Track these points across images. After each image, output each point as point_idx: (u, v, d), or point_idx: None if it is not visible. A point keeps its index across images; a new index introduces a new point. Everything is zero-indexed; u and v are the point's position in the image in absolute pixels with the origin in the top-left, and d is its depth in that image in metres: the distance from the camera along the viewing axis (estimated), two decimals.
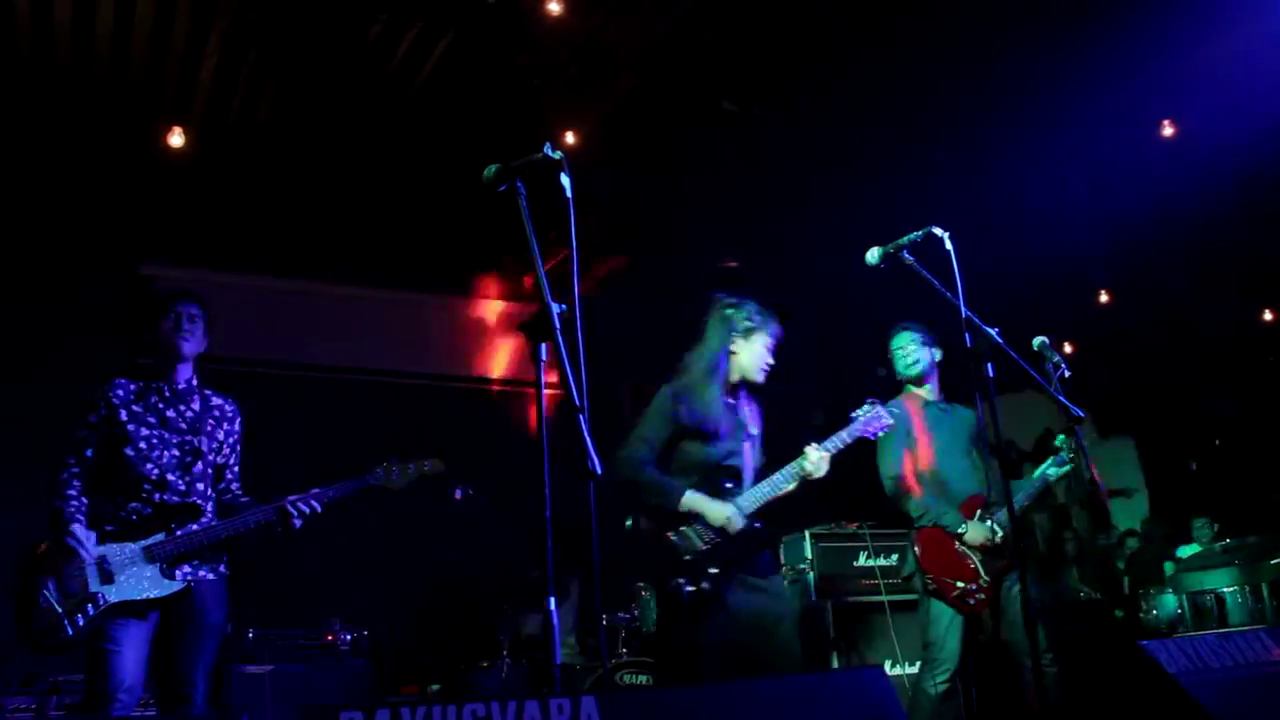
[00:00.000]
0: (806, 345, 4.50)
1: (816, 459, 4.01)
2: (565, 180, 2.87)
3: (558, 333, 2.67)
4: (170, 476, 3.72)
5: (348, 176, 7.60)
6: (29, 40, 6.09)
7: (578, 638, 6.90)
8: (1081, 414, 4.05)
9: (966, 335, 3.59)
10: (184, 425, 3.82)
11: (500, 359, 8.47)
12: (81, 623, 3.45)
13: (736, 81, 7.01)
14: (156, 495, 3.68)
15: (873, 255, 3.83)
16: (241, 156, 7.31)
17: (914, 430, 4.81)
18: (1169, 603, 7.48)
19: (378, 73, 6.61)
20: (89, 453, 3.70)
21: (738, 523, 3.95)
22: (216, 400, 3.98)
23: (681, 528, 3.94)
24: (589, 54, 6.61)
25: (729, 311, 4.25)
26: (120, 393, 3.78)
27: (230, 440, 3.98)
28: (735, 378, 4.20)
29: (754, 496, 4.02)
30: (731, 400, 4.18)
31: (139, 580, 3.55)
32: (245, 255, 7.91)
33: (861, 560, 6.08)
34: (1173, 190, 8.08)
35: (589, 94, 6.93)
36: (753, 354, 4.19)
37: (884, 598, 5.83)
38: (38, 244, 7.25)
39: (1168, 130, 7.67)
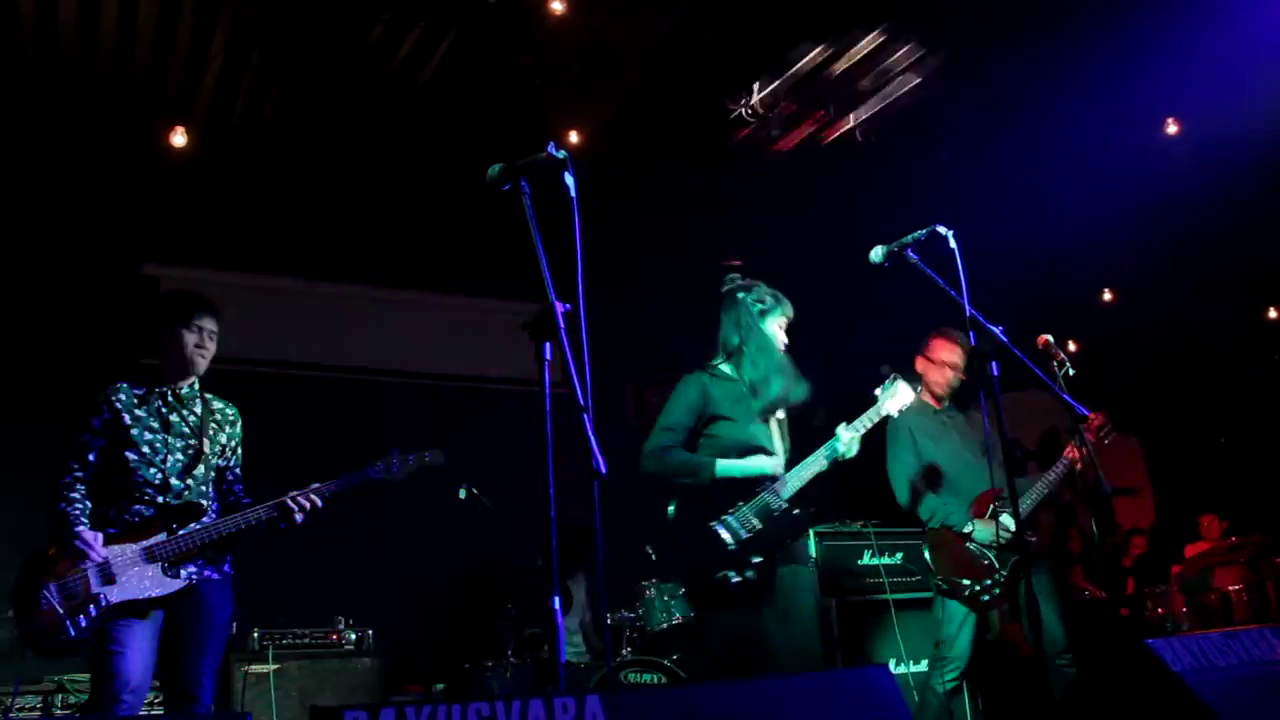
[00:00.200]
0: (809, 344, 4.49)
1: (848, 439, 4.02)
2: (569, 179, 2.88)
3: (562, 332, 2.67)
4: (173, 480, 3.74)
5: (350, 176, 7.61)
6: (33, 40, 6.10)
7: (583, 636, 6.91)
8: (1086, 412, 4.06)
9: (971, 334, 3.59)
10: (187, 429, 3.83)
11: (504, 358, 8.45)
12: (84, 624, 3.45)
13: (739, 80, 7.00)
14: (159, 498, 3.70)
15: (877, 254, 3.83)
16: (244, 156, 7.31)
17: (919, 435, 4.82)
18: (1174, 602, 7.47)
19: (380, 73, 6.61)
20: (91, 456, 3.71)
21: (780, 469, 3.97)
22: (218, 404, 4.00)
23: (724, 517, 3.94)
24: (592, 53, 6.61)
25: (741, 295, 4.26)
26: (123, 397, 3.78)
27: (232, 444, 3.99)
28: (758, 362, 4.20)
29: (792, 481, 4.02)
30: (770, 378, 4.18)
31: (140, 580, 3.55)
32: (247, 255, 7.91)
33: (866, 559, 6.07)
34: (1177, 188, 8.07)
35: (592, 93, 6.93)
36: (768, 335, 4.21)
37: (889, 596, 5.83)
38: (40, 243, 7.26)
39: (1172, 128, 7.65)
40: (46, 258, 7.28)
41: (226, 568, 3.83)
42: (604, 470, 2.59)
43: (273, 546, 4.29)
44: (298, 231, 7.91)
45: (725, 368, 4.26)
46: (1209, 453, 11.31)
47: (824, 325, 4.38)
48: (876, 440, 4.36)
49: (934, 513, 4.70)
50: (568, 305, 2.71)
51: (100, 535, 3.56)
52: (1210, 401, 11.09)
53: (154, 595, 3.57)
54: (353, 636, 6.18)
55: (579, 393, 2.61)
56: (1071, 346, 9.54)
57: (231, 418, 4.02)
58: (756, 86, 6.97)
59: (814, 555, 6.05)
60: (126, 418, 3.74)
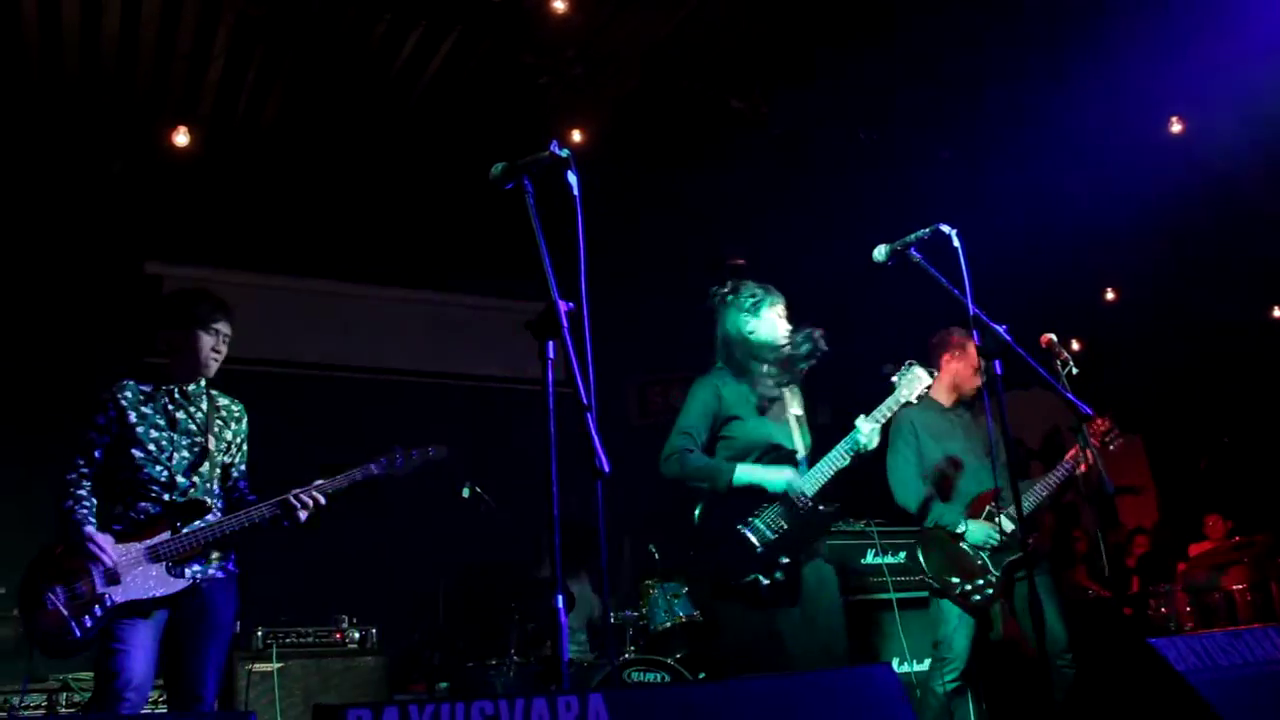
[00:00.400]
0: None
1: (869, 430, 4.01)
2: (572, 178, 2.88)
3: (565, 331, 2.67)
4: (179, 477, 3.74)
5: (353, 175, 7.61)
6: (36, 41, 6.10)
7: (587, 635, 6.90)
8: (1089, 411, 4.05)
9: (974, 333, 3.58)
10: (193, 427, 3.84)
11: (506, 357, 8.46)
12: (89, 624, 3.45)
13: (743, 79, 6.99)
14: (165, 495, 3.70)
15: (880, 253, 3.83)
16: (247, 156, 7.32)
17: (922, 432, 4.82)
18: (1178, 601, 7.46)
19: (383, 72, 6.62)
20: (98, 454, 3.71)
21: (803, 488, 3.95)
22: (224, 401, 4.00)
23: (751, 520, 3.94)
24: (595, 52, 6.61)
25: (730, 297, 4.27)
26: (129, 394, 3.78)
27: (238, 441, 4.00)
28: (765, 356, 4.18)
29: (814, 478, 4.01)
30: (770, 380, 4.18)
31: (145, 579, 3.56)
32: (250, 254, 7.93)
33: (870, 558, 6.07)
34: (1181, 187, 8.06)
35: (595, 92, 6.93)
36: (769, 325, 4.20)
37: (892, 595, 5.82)
38: (44, 242, 7.27)
39: (1176, 127, 7.64)
40: (50, 256, 7.30)
41: (231, 566, 3.83)
42: (607, 469, 2.59)
43: (276, 545, 4.29)
44: (300, 230, 7.92)
45: (729, 371, 4.25)
46: (1213, 452, 11.31)
47: (826, 324, 4.36)
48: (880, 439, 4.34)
49: (928, 511, 4.70)
50: (570, 304, 2.71)
51: (111, 538, 3.56)
52: (1214, 401, 11.08)
53: (158, 595, 3.57)
54: (356, 635, 6.18)
55: (582, 391, 2.61)
56: (1075, 345, 9.54)
57: (237, 414, 4.03)
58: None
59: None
60: (132, 415, 3.74)
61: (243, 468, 4.02)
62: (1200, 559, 8.63)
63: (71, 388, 6.34)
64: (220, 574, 3.76)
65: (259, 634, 5.87)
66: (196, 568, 3.68)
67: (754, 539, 3.91)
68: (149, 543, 3.60)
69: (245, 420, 4.05)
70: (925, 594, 4.86)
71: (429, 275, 8.67)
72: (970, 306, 3.57)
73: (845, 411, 4.32)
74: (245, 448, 4.04)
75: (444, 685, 6.55)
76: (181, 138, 6.83)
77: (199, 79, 6.56)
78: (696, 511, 4.05)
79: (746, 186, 8.11)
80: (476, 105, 7.00)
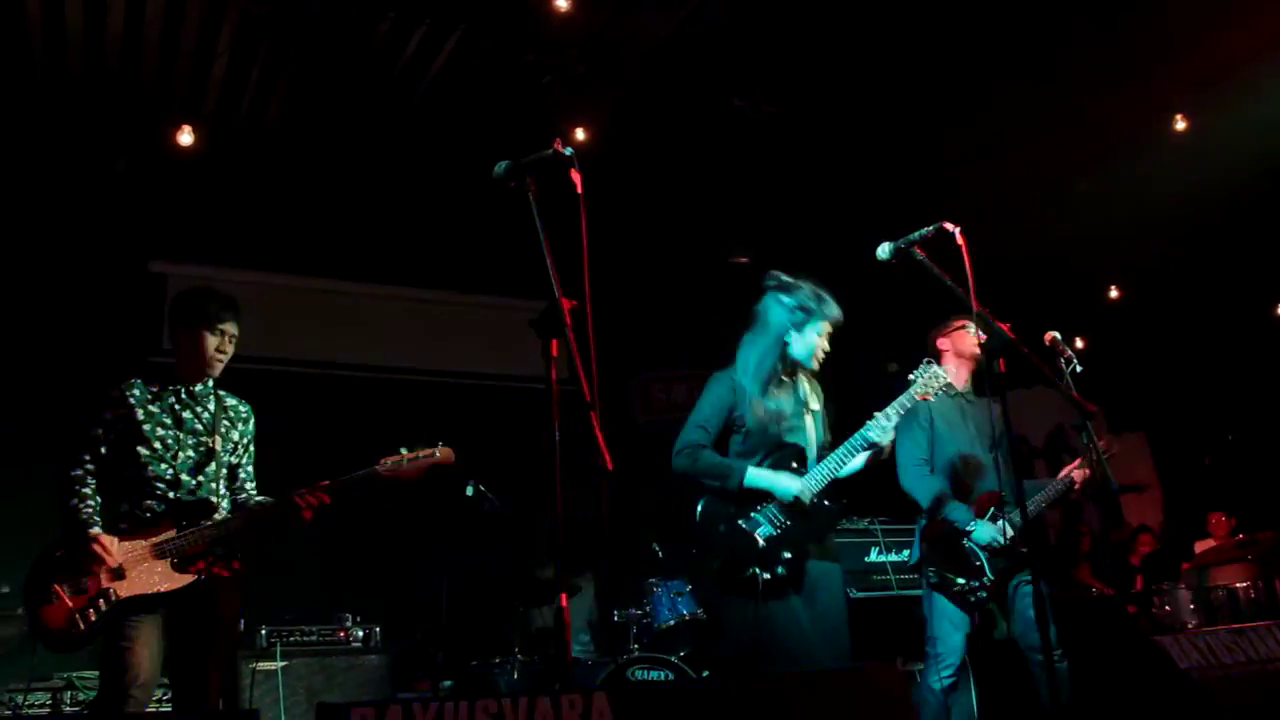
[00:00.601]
0: None
1: (880, 427, 3.96)
2: (575, 176, 2.88)
3: (568, 329, 2.67)
4: (185, 476, 3.75)
5: (357, 174, 7.62)
6: (40, 40, 6.12)
7: (592, 634, 6.91)
8: (1093, 410, 4.05)
9: (978, 331, 3.58)
10: (200, 427, 3.85)
11: (510, 355, 8.47)
12: (94, 619, 3.48)
13: (746, 77, 7.00)
14: (170, 493, 3.71)
15: (883, 250, 3.81)
16: (251, 154, 7.33)
17: (938, 420, 4.78)
18: (1181, 599, 7.46)
19: (386, 70, 6.62)
20: (103, 450, 3.72)
21: (808, 495, 3.92)
22: (230, 401, 4.01)
23: (753, 514, 3.93)
24: (598, 50, 6.61)
25: (783, 296, 4.16)
26: (137, 392, 3.79)
27: (244, 441, 4.00)
28: (791, 360, 4.17)
29: (819, 474, 3.98)
30: (789, 379, 4.16)
31: (150, 575, 3.57)
32: (254, 252, 7.94)
33: (873, 555, 6.08)
34: (1185, 184, 8.05)
35: (598, 91, 6.93)
36: (806, 345, 4.12)
37: (895, 593, 5.83)
38: (49, 241, 7.29)
39: (1180, 124, 7.63)
40: (55, 255, 7.31)
41: (235, 565, 3.84)
42: (610, 467, 2.59)
43: (281, 544, 4.30)
44: (304, 229, 7.93)
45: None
46: (1217, 449, 11.30)
47: None
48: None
49: (937, 502, 4.67)
50: (574, 302, 2.71)
51: (115, 539, 3.58)
52: (1218, 398, 11.07)
53: (162, 591, 3.58)
54: (360, 634, 6.20)
55: (585, 389, 2.61)
56: (1079, 343, 9.53)
57: (244, 415, 4.03)
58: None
59: None
60: (139, 413, 3.75)
61: (250, 469, 4.03)
62: (1204, 556, 8.62)
63: (75, 386, 6.35)
64: (225, 572, 3.77)
65: (263, 632, 5.88)
66: (201, 565, 3.69)
67: (756, 534, 3.90)
68: (154, 540, 3.61)
69: (252, 421, 4.05)
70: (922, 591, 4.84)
71: (433, 274, 8.68)
72: (974, 304, 3.56)
73: (846, 410, 4.32)
74: (252, 449, 4.05)
75: (448, 684, 6.56)
76: (186, 136, 6.84)
77: (203, 77, 6.57)
78: (699, 505, 4.03)
79: (749, 184, 8.11)
80: (480, 104, 7.00)
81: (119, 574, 3.53)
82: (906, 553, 6.06)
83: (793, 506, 3.93)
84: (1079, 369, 4.43)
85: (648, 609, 6.20)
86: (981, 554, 4.56)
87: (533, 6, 6.09)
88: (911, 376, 4.16)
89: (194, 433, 3.82)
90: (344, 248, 8.18)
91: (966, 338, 4.87)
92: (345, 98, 6.86)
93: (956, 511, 4.63)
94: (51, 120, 6.81)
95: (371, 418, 7.84)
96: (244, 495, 3.96)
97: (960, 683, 4.58)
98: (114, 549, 3.54)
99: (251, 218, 7.73)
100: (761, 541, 3.88)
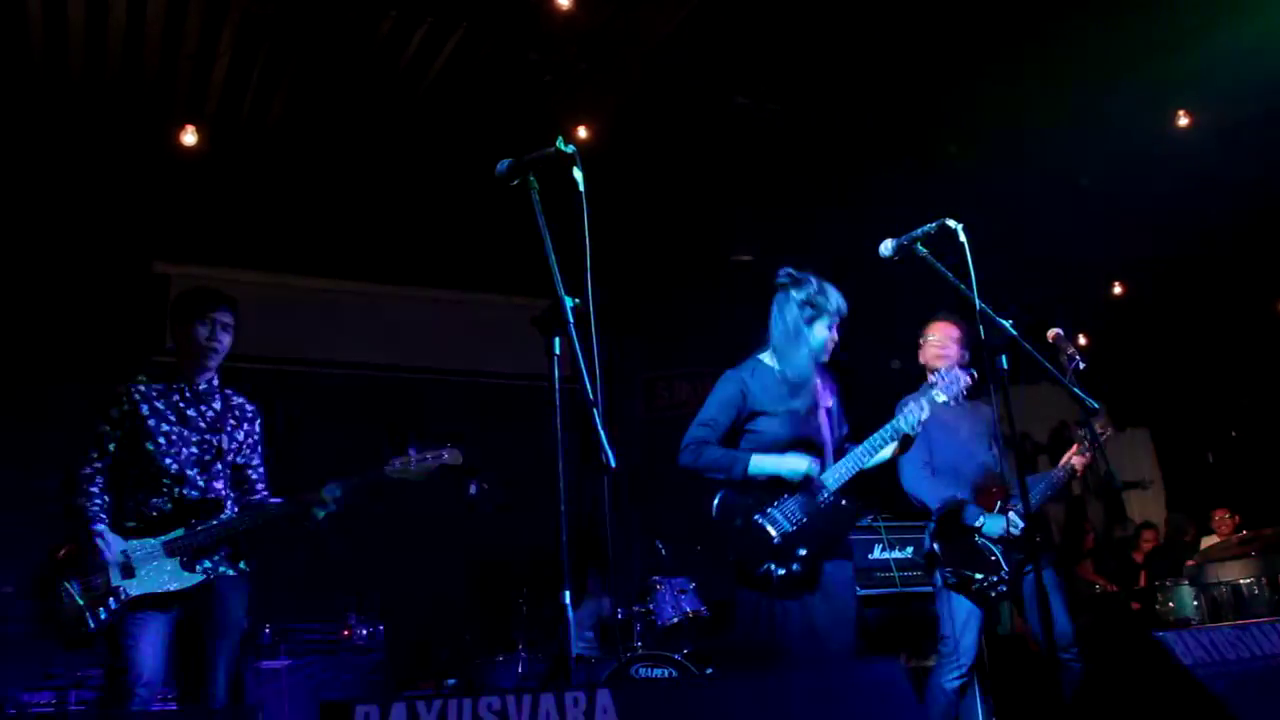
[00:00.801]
0: None
1: (914, 419, 3.98)
2: (578, 174, 2.88)
3: (571, 326, 2.68)
4: (189, 473, 3.76)
5: (360, 173, 7.62)
6: (41, 40, 6.12)
7: (596, 632, 6.91)
8: (1096, 406, 4.04)
9: (981, 328, 3.58)
10: (204, 424, 3.86)
11: (513, 353, 8.47)
12: (104, 616, 3.49)
13: (748, 75, 6.99)
14: (176, 490, 3.72)
15: (886, 248, 3.81)
16: (254, 154, 7.34)
17: (932, 425, 4.78)
18: (1185, 595, 7.46)
19: (389, 69, 6.62)
20: (111, 447, 3.74)
21: (825, 481, 3.94)
22: (237, 400, 4.02)
23: (768, 510, 3.94)
24: (600, 48, 6.61)
25: (793, 292, 4.18)
26: (142, 389, 3.82)
27: (251, 440, 4.01)
28: (806, 356, 4.16)
29: (839, 471, 3.99)
30: (812, 381, 4.15)
31: (159, 574, 3.59)
32: (258, 252, 7.94)
33: (877, 553, 6.08)
34: (1188, 181, 8.04)
35: (600, 88, 6.93)
36: (817, 339, 4.14)
37: (899, 590, 5.83)
38: (52, 242, 7.29)
39: (1183, 120, 7.62)
40: (58, 256, 7.32)
41: (242, 565, 3.85)
42: (613, 464, 2.59)
43: (285, 543, 4.31)
44: (307, 229, 7.93)
45: (769, 361, 4.23)
46: (1220, 445, 11.29)
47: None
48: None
49: (943, 503, 4.67)
50: (577, 300, 2.72)
51: (119, 538, 3.59)
52: (1222, 394, 11.06)
53: (172, 589, 3.60)
54: (364, 632, 6.20)
55: (588, 387, 2.62)
56: (1082, 340, 9.52)
57: (250, 414, 4.04)
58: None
59: None
60: (145, 408, 3.77)
61: (261, 469, 4.03)
62: (1208, 552, 8.61)
63: (79, 386, 6.36)
64: (232, 571, 3.78)
65: (267, 631, 5.89)
66: (208, 564, 3.70)
67: (771, 530, 3.89)
68: (164, 538, 3.63)
69: (259, 421, 4.06)
70: (931, 589, 4.84)
71: (435, 272, 8.68)
72: (976, 301, 3.56)
73: (851, 407, 4.32)
74: (260, 448, 4.05)
75: (451, 681, 6.57)
76: (189, 137, 6.85)
77: (205, 78, 6.58)
78: (715, 502, 4.03)
79: (752, 182, 8.10)
80: (482, 102, 7.00)
81: (129, 572, 3.54)
82: (910, 550, 6.07)
83: (808, 502, 3.92)
84: (1082, 366, 4.42)
85: (651, 607, 6.20)
86: (995, 548, 4.56)
87: (534, 5, 6.09)
88: (932, 379, 4.19)
89: (198, 430, 3.83)
90: (347, 247, 8.18)
91: (927, 348, 4.90)
92: (347, 97, 6.87)
93: (965, 510, 4.63)
94: (54, 121, 6.82)
95: (376, 417, 7.83)
96: (257, 496, 3.96)
97: (970, 682, 4.59)
98: (116, 546, 3.55)
99: (255, 218, 7.73)
100: (777, 538, 3.88)
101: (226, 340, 3.92)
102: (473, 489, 6.31)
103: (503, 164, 2.93)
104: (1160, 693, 3.53)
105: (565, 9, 6.07)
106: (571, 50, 6.58)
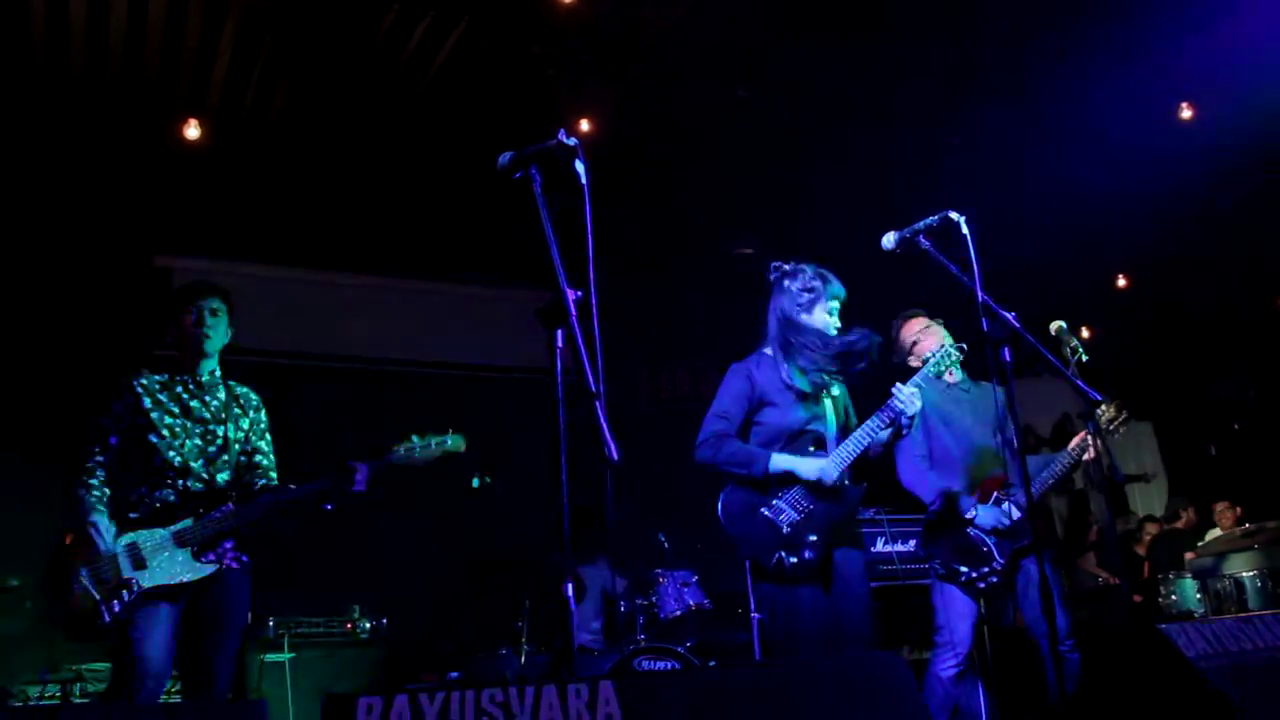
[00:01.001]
0: None
1: (907, 394, 3.97)
2: (580, 166, 2.88)
3: (573, 319, 2.67)
4: (194, 465, 3.76)
5: (362, 167, 7.62)
6: (44, 35, 6.12)
7: (600, 624, 6.92)
8: (1099, 398, 4.04)
9: (983, 320, 3.57)
10: (207, 415, 3.86)
11: (516, 346, 8.47)
12: (118, 609, 3.49)
13: (751, 68, 6.98)
14: (181, 482, 3.72)
15: (889, 240, 3.81)
16: (256, 148, 7.33)
17: (930, 415, 4.78)
18: (1188, 588, 7.45)
19: (391, 63, 6.62)
20: (113, 440, 3.74)
21: (831, 476, 3.94)
22: (240, 390, 4.03)
23: (774, 500, 3.94)
24: (602, 41, 6.60)
25: (786, 282, 4.21)
26: (145, 382, 3.83)
27: (258, 428, 4.01)
28: (812, 344, 4.15)
29: (842, 454, 3.99)
30: (815, 368, 4.16)
31: (171, 565, 3.59)
32: (261, 246, 7.94)
33: (879, 546, 6.08)
34: (1191, 173, 8.02)
35: (602, 81, 6.92)
36: (819, 322, 4.16)
37: (901, 583, 5.83)
38: (54, 236, 7.30)
39: (1186, 113, 7.60)
40: (60, 250, 7.32)
41: (245, 557, 3.85)
42: (616, 457, 2.59)
43: (288, 535, 4.31)
44: (309, 222, 7.93)
45: (770, 354, 4.23)
46: (1223, 439, 11.28)
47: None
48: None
49: (936, 494, 4.67)
50: (579, 292, 2.71)
51: (114, 526, 3.59)
52: (1224, 388, 11.05)
53: (185, 580, 3.60)
54: (367, 625, 6.22)
55: (590, 379, 2.61)
56: (1085, 333, 9.51)
57: (255, 403, 4.05)
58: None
59: None
60: (148, 401, 3.77)
61: (271, 457, 4.03)
62: (1210, 545, 8.61)
63: (81, 381, 6.37)
64: (235, 564, 3.78)
65: (271, 624, 5.90)
66: (212, 556, 3.70)
67: (780, 519, 3.91)
68: (174, 528, 3.63)
69: (263, 410, 4.06)
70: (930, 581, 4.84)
71: (437, 266, 8.68)
72: (979, 294, 3.56)
73: (855, 405, 4.32)
74: (268, 435, 4.05)
75: (454, 675, 6.58)
76: (192, 131, 6.84)
77: (206, 72, 6.57)
78: (721, 498, 4.04)
79: (754, 174, 8.09)
80: (484, 95, 6.99)
81: (140, 564, 3.54)
82: (912, 543, 6.07)
83: (816, 488, 3.94)
84: (1085, 358, 4.42)
85: (654, 599, 6.21)
86: (989, 539, 4.56)
87: None
88: (927, 355, 4.19)
89: (201, 421, 3.84)
90: (349, 240, 8.18)
91: (924, 340, 4.90)
92: (350, 91, 6.86)
93: (957, 500, 4.64)
94: (55, 116, 6.81)
95: (379, 410, 7.85)
96: (273, 484, 3.95)
97: (968, 672, 4.59)
98: (108, 534, 3.55)
99: (257, 211, 7.73)
100: (786, 528, 3.89)
101: (220, 327, 3.92)
102: (475, 483, 6.31)
103: (504, 157, 2.93)
104: (1164, 685, 3.53)
105: (567, 2, 6.06)
106: (573, 43, 6.57)
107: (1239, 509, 9.21)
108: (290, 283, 8.24)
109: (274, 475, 4.01)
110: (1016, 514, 4.51)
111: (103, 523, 3.57)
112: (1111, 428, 4.63)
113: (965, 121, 7.61)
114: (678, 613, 6.09)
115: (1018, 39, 6.75)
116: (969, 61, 6.94)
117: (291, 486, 3.81)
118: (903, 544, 6.09)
